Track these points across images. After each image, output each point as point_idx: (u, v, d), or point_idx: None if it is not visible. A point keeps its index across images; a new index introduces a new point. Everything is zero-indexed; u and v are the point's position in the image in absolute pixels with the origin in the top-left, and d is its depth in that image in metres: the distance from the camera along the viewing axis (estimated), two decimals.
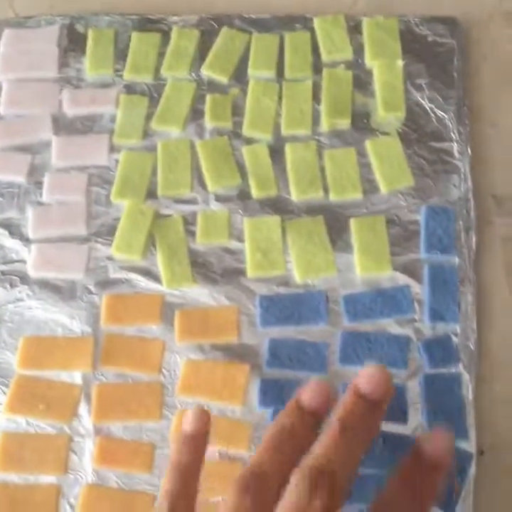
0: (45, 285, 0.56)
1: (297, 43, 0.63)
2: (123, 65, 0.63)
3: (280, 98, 0.62)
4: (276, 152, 0.60)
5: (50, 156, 0.60)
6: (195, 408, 0.44)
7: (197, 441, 0.43)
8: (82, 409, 0.52)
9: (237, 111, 0.61)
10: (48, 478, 0.50)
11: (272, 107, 0.61)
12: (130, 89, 0.63)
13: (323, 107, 0.61)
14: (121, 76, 0.63)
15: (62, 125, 0.61)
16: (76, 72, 0.63)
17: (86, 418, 0.51)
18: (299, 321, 0.54)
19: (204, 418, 0.43)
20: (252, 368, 0.52)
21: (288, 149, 0.59)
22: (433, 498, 0.39)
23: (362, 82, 0.62)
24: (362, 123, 0.61)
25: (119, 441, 0.51)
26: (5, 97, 0.62)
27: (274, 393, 0.51)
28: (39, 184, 0.59)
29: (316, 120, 0.61)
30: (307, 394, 0.39)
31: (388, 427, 0.50)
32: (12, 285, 0.56)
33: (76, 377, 0.53)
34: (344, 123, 0.60)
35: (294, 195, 0.58)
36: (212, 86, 0.63)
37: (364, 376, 0.38)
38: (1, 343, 0.54)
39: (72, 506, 0.49)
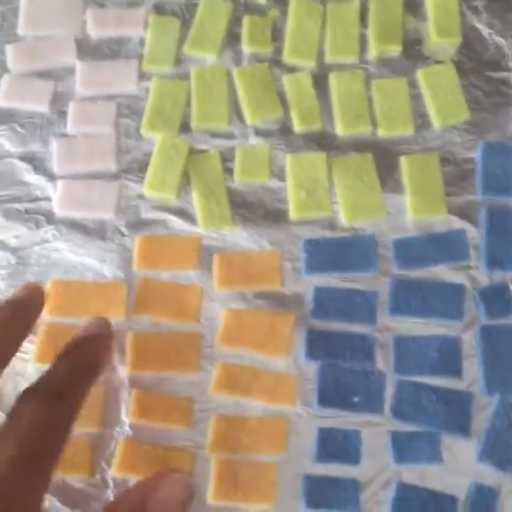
0: (73, 225, 0.48)
1: None
2: None
3: (323, 21, 0.53)
4: (319, 82, 0.51)
5: (74, 83, 0.51)
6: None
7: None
8: (116, 360, 0.45)
9: (276, 35, 0.52)
10: (82, 433, 0.44)
11: (316, 30, 0.52)
12: (160, 9, 0.53)
13: (371, 32, 0.52)
14: None
15: (86, 49, 0.52)
16: None
17: (120, 369, 0.45)
18: (346, 268, 0.47)
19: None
20: (296, 317, 0.46)
21: (333, 79, 0.51)
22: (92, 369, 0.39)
23: (413, 3, 0.53)
24: (413, 50, 0.52)
25: (155, 394, 0.44)
26: (23, 15, 0.53)
27: (321, 345, 0.45)
28: (63, 114, 0.51)
29: (362, 46, 0.52)
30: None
31: (442, 381, 0.44)
32: (37, 225, 0.48)
33: None
34: (394, 49, 0.52)
35: (340, 130, 0.50)
36: (250, 7, 0.53)
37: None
38: None
39: (107, 462, 0.43)
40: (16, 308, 0.41)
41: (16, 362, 0.44)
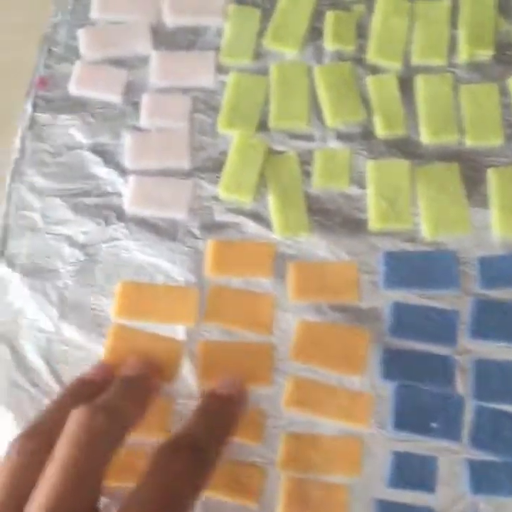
0: (143, 224, 0.46)
1: None
2: None
3: (411, 20, 0.49)
4: (404, 84, 0.48)
5: (148, 73, 0.49)
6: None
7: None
8: (185, 368, 0.43)
9: (361, 32, 0.49)
10: (150, 442, 0.42)
11: (403, 29, 0.49)
12: None
13: (461, 33, 0.49)
14: None
15: (162, 37, 0.50)
16: None
17: (189, 378, 0.43)
18: (427, 284, 0.44)
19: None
20: (373, 334, 0.43)
21: (420, 82, 0.48)
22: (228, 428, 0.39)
23: (506, 5, 0.50)
24: (504, 55, 0.49)
25: None
26: None
27: (399, 365, 0.43)
28: (136, 105, 0.49)
29: (451, 48, 0.49)
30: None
31: None
32: (107, 222, 0.46)
33: (179, 331, 0.44)
34: (486, 53, 0.49)
35: (425, 137, 0.47)
36: (334, 1, 0.50)
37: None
38: (95, 287, 0.45)
39: None
40: (138, 382, 0.41)
41: (83, 365, 0.43)
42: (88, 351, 0.44)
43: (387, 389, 0.43)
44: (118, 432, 0.36)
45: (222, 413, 0.40)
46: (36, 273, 0.45)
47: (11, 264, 0.45)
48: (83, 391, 0.40)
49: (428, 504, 0.41)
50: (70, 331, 0.44)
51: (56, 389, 0.43)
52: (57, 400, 0.39)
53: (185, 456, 0.35)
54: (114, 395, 0.38)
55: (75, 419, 0.35)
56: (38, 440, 0.35)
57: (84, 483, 0.33)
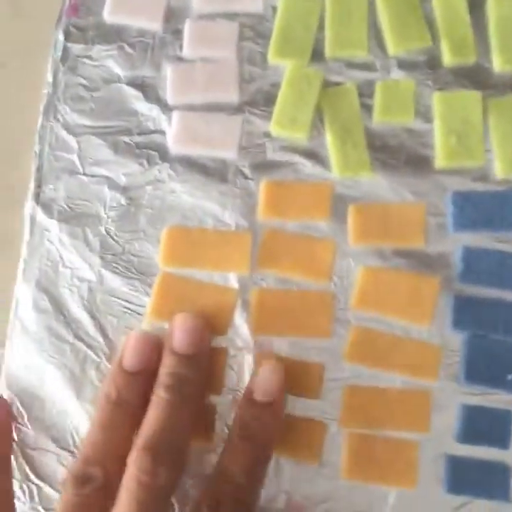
0: (190, 164, 0.43)
1: None
2: None
3: None
4: (474, 6, 0.44)
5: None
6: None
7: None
8: (239, 318, 0.41)
9: None
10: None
11: None
12: None
13: None
14: None
15: None
16: None
17: (244, 329, 0.41)
18: (500, 227, 0.41)
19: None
20: (442, 280, 0.41)
21: (491, 3, 0.44)
22: (270, 436, 0.37)
23: None
24: None
25: (282, 359, 0.40)
26: None
27: (470, 313, 0.40)
28: (177, 33, 0.45)
29: None
30: (130, 356, 0.38)
31: None
32: (150, 162, 0.43)
33: (231, 279, 0.41)
34: None
35: (498, 65, 0.43)
36: None
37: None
38: (139, 233, 0.42)
39: (229, 428, 0.39)
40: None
41: (128, 316, 0.41)
42: (133, 302, 0.41)
43: (458, 339, 0.40)
44: (178, 479, 0.36)
45: (264, 434, 0.37)
46: (75, 219, 0.43)
47: (47, 210, 0.43)
48: (129, 395, 0.37)
49: (502, 460, 0.39)
50: (114, 280, 0.42)
51: (101, 342, 0.41)
52: (103, 409, 0.37)
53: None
54: (172, 426, 0.36)
55: (136, 476, 0.34)
56: (92, 486, 0.35)
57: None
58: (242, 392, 0.39)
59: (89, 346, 0.41)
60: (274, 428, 0.38)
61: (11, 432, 0.40)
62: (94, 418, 0.37)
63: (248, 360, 0.40)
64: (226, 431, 0.39)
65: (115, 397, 0.37)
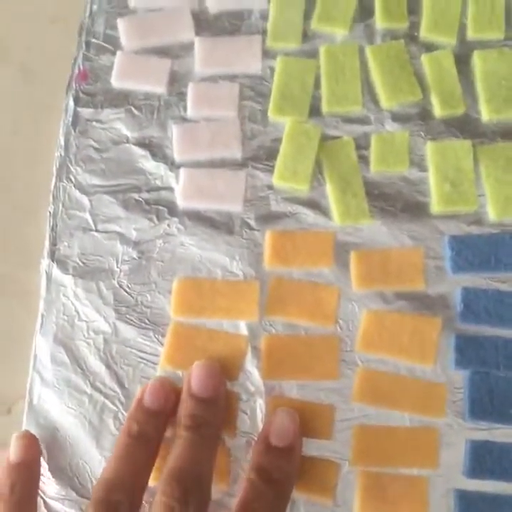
0: (198, 218, 0.47)
1: None
2: None
3: None
4: (461, 61, 0.48)
5: (193, 61, 0.49)
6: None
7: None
8: (250, 363, 0.44)
9: (412, 8, 0.49)
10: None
11: (457, 3, 0.49)
12: None
13: None
14: None
15: (204, 23, 0.50)
16: None
17: (255, 374, 0.44)
18: (496, 267, 0.45)
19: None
20: (443, 321, 0.44)
21: (477, 58, 0.48)
22: (290, 480, 0.40)
23: None
24: None
25: (293, 402, 0.43)
26: None
27: (472, 352, 0.43)
28: (182, 96, 0.49)
29: (508, 21, 0.49)
30: (150, 394, 0.41)
31: None
32: (159, 217, 0.47)
33: (241, 327, 0.44)
34: None
35: (486, 115, 0.47)
36: None
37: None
38: (151, 285, 0.45)
39: (244, 470, 0.42)
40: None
41: (143, 366, 0.44)
42: (147, 351, 0.44)
43: (461, 377, 0.43)
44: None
45: (284, 478, 0.40)
46: (90, 274, 0.46)
47: (62, 266, 0.46)
48: (149, 429, 0.40)
49: (511, 493, 0.41)
50: (128, 332, 0.45)
51: (118, 392, 0.43)
52: (123, 443, 0.40)
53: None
54: (197, 461, 0.39)
55: (167, 504, 0.36)
56: None
57: None
58: (256, 435, 0.42)
59: (106, 396, 0.44)
60: (293, 471, 0.40)
61: (40, 470, 0.43)
62: (114, 452, 0.40)
63: (260, 405, 0.43)
64: (241, 473, 0.42)
65: (136, 431, 0.40)
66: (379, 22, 0.49)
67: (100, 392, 0.44)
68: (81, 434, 0.43)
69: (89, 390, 0.44)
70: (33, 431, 0.43)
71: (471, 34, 0.49)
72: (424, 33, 0.49)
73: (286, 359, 0.44)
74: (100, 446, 0.43)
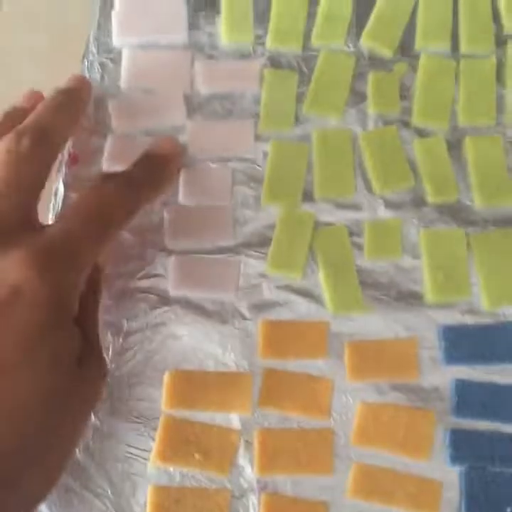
0: (190, 306, 0.47)
1: (476, 6, 0.52)
2: (265, 30, 0.52)
3: (456, 79, 0.51)
4: (452, 147, 0.50)
5: (185, 143, 0.50)
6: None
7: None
8: (242, 459, 0.45)
9: (404, 93, 0.51)
10: None
11: (449, 89, 0.51)
12: (275, 61, 0.52)
13: (508, 93, 0.51)
14: (263, 44, 0.52)
15: (196, 106, 0.51)
16: (208, 37, 0.53)
17: (248, 470, 0.44)
18: (491, 359, 0.46)
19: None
20: (437, 414, 0.45)
21: (469, 144, 0.50)
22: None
23: None
24: None
25: (287, 498, 0.44)
26: (126, 66, 0.52)
27: (467, 447, 0.44)
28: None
29: (499, 108, 0.51)
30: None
31: None
32: (151, 306, 0.47)
33: (233, 420, 0.45)
34: None
35: (479, 202, 0.49)
36: (374, 61, 0.52)
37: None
38: (141, 377, 0.46)
39: None
40: (68, 94, 0.47)
41: (133, 461, 0.44)
42: (138, 446, 0.45)
43: (456, 472, 0.44)
44: (47, 153, 0.43)
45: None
46: None
47: None
48: (14, 119, 0.44)
49: None
50: (117, 427, 0.45)
51: (108, 489, 0.44)
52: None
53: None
54: (43, 112, 0.44)
55: (1, 148, 0.41)
56: None
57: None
58: None
59: (96, 495, 0.44)
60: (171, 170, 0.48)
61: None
62: None
63: (253, 503, 0.44)
64: None
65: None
66: (371, 108, 0.50)
67: (89, 490, 0.44)
68: None
69: (78, 488, 0.44)
70: None
71: (462, 120, 0.50)
72: (416, 119, 0.50)
73: (279, 454, 0.45)
74: None
